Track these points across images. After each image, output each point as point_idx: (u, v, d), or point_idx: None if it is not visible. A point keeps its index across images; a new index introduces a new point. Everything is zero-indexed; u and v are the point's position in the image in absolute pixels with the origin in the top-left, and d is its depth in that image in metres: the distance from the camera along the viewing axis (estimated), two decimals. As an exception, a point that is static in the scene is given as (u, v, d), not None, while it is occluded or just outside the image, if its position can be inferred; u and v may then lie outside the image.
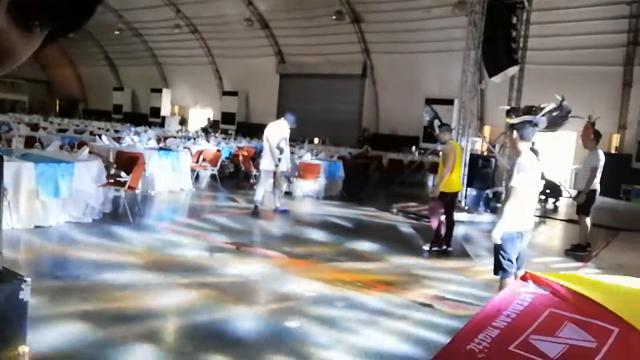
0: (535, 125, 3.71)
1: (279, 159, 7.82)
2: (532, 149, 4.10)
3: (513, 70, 11.28)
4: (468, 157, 10.31)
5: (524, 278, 2.02)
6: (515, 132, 3.83)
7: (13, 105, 28.54)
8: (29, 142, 7.89)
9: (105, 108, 29.63)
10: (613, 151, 15.81)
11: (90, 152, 7.15)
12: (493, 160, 10.80)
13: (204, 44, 24.60)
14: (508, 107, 4.29)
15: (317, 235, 7.10)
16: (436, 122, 6.53)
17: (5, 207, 5.23)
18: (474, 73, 10.43)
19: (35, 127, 13.67)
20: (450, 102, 16.30)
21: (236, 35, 22.47)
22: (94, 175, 6.26)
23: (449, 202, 6.47)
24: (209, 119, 18.16)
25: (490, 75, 10.97)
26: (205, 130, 14.70)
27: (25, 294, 2.85)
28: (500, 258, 3.92)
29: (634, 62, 15.22)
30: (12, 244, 4.98)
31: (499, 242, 3.83)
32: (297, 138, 16.85)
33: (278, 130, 7.84)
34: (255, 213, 7.83)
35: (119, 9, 24.51)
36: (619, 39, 14.99)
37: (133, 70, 29.28)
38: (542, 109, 3.71)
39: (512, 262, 3.90)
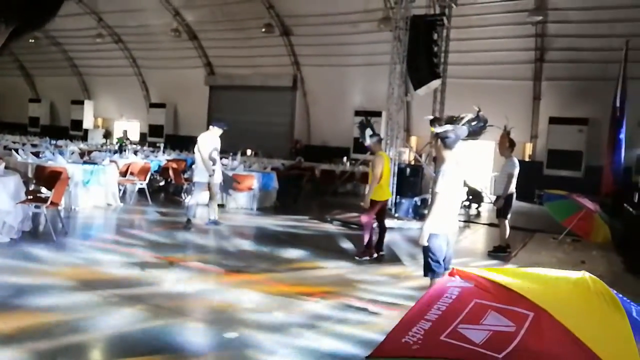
0: (457, 134, 4.00)
1: (213, 170, 7.75)
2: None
3: (436, 83, 11.91)
4: (396, 167, 10.73)
5: (451, 274, 2.19)
6: (439, 140, 4.10)
7: None
8: None
9: (20, 121, 27.74)
10: (527, 159, 17.06)
11: (6, 167, 6.72)
12: (420, 169, 11.31)
13: (129, 55, 23.81)
14: (432, 117, 4.58)
15: (253, 246, 7.09)
16: (367, 132, 6.77)
17: None
18: (400, 86, 10.89)
19: (-61, 142, 12.57)
20: (378, 114, 16.87)
21: (163, 46, 21.97)
22: (12, 191, 5.89)
23: (379, 210, 6.71)
24: (124, 131, 17.54)
25: (415, 88, 11.50)
26: (122, 145, 14.17)
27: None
28: (429, 260, 4.15)
29: (541, 77, 16.57)
30: None
31: (426, 244, 4.07)
32: (229, 150, 16.72)
33: (209, 141, 7.77)
34: (188, 226, 7.69)
35: (34, 17, 23.17)
36: (527, 55, 16.27)
37: (51, 80, 27.69)
38: (462, 118, 4.00)
39: (439, 263, 4.14)
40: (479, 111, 4.09)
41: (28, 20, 0.50)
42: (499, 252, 7.63)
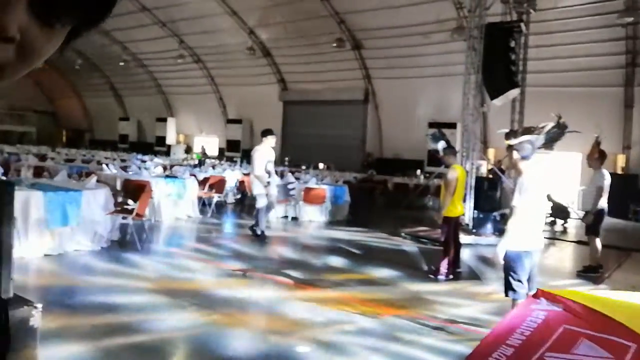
0: (533, 144, 3.78)
1: (268, 182, 7.77)
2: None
3: (514, 92, 11.38)
4: (473, 181, 10.34)
5: (535, 295, 2.03)
6: (515, 152, 3.90)
7: (21, 137, 28.89)
8: (38, 172, 7.98)
9: (111, 138, 29.97)
10: (619, 172, 15.80)
11: (97, 181, 7.22)
12: (499, 182, 10.82)
13: (208, 73, 25.00)
14: (507, 130, 4.36)
15: (325, 260, 7.08)
16: (441, 145, 6.57)
17: (15, 236, 5.26)
18: (475, 96, 10.54)
19: (43, 158, 13.83)
20: (452, 125, 16.40)
21: (239, 64, 22.85)
22: (102, 203, 6.32)
23: (454, 226, 6.47)
24: (203, 146, 18.34)
25: (492, 98, 11.06)
26: (200, 160, 14.79)
27: (35, 321, 2.86)
28: (510, 278, 3.91)
29: (633, 83, 15.35)
30: (23, 272, 5.00)
31: (502, 261, 3.84)
32: (301, 163, 16.97)
33: (263, 154, 7.81)
34: (259, 238, 7.82)
35: (124, 41, 25.05)
36: (617, 60, 15.16)
37: (138, 100, 29.71)
38: (542, 128, 3.77)
39: (521, 282, 3.88)
40: (559, 119, 3.84)
41: (84, 18, 0.49)
42: (590, 272, 7.04)
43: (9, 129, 29.67)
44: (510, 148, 3.94)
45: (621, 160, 16.19)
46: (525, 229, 3.83)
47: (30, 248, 5.52)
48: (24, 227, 5.42)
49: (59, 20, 0.45)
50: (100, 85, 30.35)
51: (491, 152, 17.91)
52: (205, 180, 10.48)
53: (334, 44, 18.75)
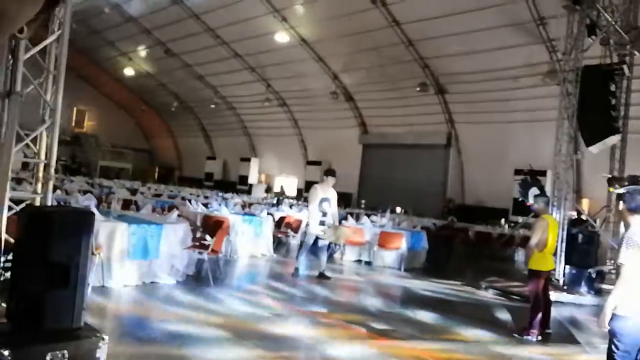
0: None
1: (322, 222, 7.62)
2: None
3: (613, 139, 10.50)
4: (565, 233, 9.50)
5: None
6: (622, 203, 3.44)
7: (118, 173, 31.25)
8: (126, 204, 8.42)
9: (198, 176, 31.60)
10: None
11: (179, 215, 7.46)
12: (595, 236, 9.85)
13: (291, 116, 25.80)
14: (609, 176, 3.91)
15: (399, 309, 6.69)
16: (532, 191, 6.10)
17: (98, 265, 5.49)
18: (569, 142, 9.83)
19: (134, 192, 14.74)
20: (542, 173, 15.43)
21: (322, 108, 23.38)
22: (181, 237, 6.47)
23: (543, 281, 5.87)
24: (281, 186, 18.69)
25: (588, 145, 10.26)
26: (279, 199, 15.00)
27: (102, 353, 2.85)
28: (614, 348, 3.38)
29: None
30: (102, 301, 5.16)
31: (607, 328, 3.33)
32: (379, 207, 16.68)
33: (319, 192, 7.71)
34: (322, 277, 7.70)
35: (216, 85, 26.68)
36: None
37: (225, 140, 31.26)
38: None
39: (629, 353, 3.34)
40: None
41: None
42: None
43: (109, 164, 32.26)
44: (618, 198, 3.48)
45: None
46: (633, 291, 3.31)
47: (112, 278, 5.72)
48: (108, 257, 5.64)
49: None
50: (192, 126, 32.37)
51: (585, 203, 16.57)
52: (282, 219, 10.53)
53: (418, 88, 18.64)
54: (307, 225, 7.79)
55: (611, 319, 3.32)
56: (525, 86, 16.42)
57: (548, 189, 11.13)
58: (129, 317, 5.03)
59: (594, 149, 10.34)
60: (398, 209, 15.96)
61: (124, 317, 5.05)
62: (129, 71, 28.20)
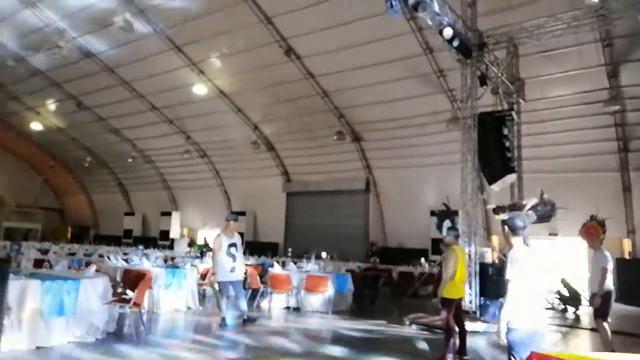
0: (524, 220, 3.87)
1: (232, 268, 7.75)
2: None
3: (511, 177, 11.61)
4: (478, 267, 10.20)
5: (529, 358, 1.98)
6: (506, 227, 3.99)
7: (26, 234, 29.05)
8: (38, 264, 7.95)
9: (116, 233, 30.07)
10: (627, 256, 15.59)
11: (97, 271, 7.18)
12: (504, 268, 10.65)
13: (213, 167, 25.67)
14: (494, 206, 4.53)
15: (330, 350, 6.80)
16: (446, 223, 6.62)
17: (7, 327, 5.15)
18: (473, 181, 10.73)
19: (45, 252, 13.82)
20: (455, 213, 16.49)
21: (244, 157, 23.55)
22: (100, 292, 6.24)
23: (456, 309, 6.30)
24: (205, 238, 18.45)
25: (490, 184, 11.29)
26: (202, 251, 14.79)
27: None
28: (512, 359, 3.76)
29: (628, 167, 15.63)
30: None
31: (504, 340, 3.73)
32: (303, 253, 16.84)
33: (224, 239, 7.88)
34: (248, 322, 7.82)
35: (133, 139, 26.05)
36: (610, 146, 15.57)
37: (144, 195, 30.22)
38: (525, 204, 3.89)
39: (527, 363, 3.72)
40: (542, 194, 3.98)
41: None
42: (602, 358, 6.71)
43: (14, 225, 29.95)
44: (502, 223, 4.03)
45: (627, 245, 16.02)
46: (523, 304, 3.76)
47: (22, 340, 5.36)
48: (18, 318, 5.31)
49: None
50: (108, 181, 31.07)
51: (495, 240, 17.82)
52: (206, 271, 10.36)
53: (335, 137, 19.44)
54: (214, 274, 7.83)
55: (507, 331, 3.72)
56: (433, 132, 17.72)
57: (460, 226, 11.95)
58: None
59: (495, 187, 11.37)
60: (324, 254, 16.21)
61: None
62: (36, 126, 26.75)
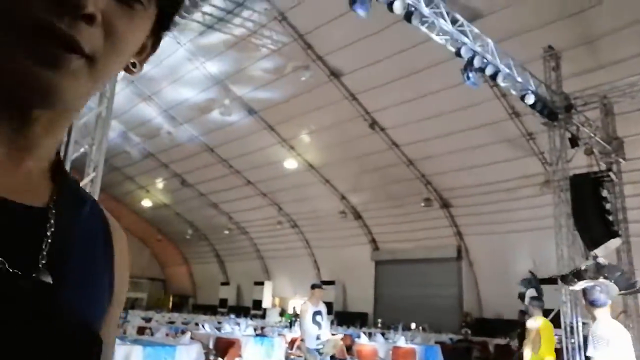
0: (605, 290, 3.64)
1: (318, 336, 7.67)
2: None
3: (615, 242, 10.79)
4: (581, 339, 9.38)
5: None
6: (584, 298, 3.77)
7: (133, 303, 31.19)
8: (141, 330, 8.62)
9: (213, 302, 31.34)
10: None
11: (192, 338, 7.64)
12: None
13: (303, 237, 26.34)
14: (561, 275, 4.31)
15: None
16: (530, 292, 6.32)
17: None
18: (569, 246, 10.12)
19: (148, 320, 14.81)
20: (553, 281, 15.39)
21: (332, 227, 23.98)
22: (194, 358, 6.62)
23: None
24: (294, 307, 18.61)
25: (590, 250, 10.56)
26: (291, 321, 14.92)
27: None
28: None
29: None
30: None
31: None
32: (394, 324, 16.41)
33: (310, 306, 7.84)
34: None
35: (229, 212, 27.73)
36: None
37: (239, 265, 31.51)
38: (579, 271, 3.69)
39: None
40: (594, 257, 3.76)
41: None
42: None
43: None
44: (582, 294, 3.82)
45: None
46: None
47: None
48: (122, 380, 5.80)
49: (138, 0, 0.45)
50: (206, 252, 32.92)
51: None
52: (294, 340, 10.51)
53: (422, 204, 19.32)
54: (302, 340, 7.87)
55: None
56: (525, 196, 17.01)
57: (563, 298, 11.13)
58: None
59: (598, 252, 10.60)
60: (413, 325, 15.70)
61: None
62: (146, 203, 29.60)
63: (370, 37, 13.95)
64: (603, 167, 11.71)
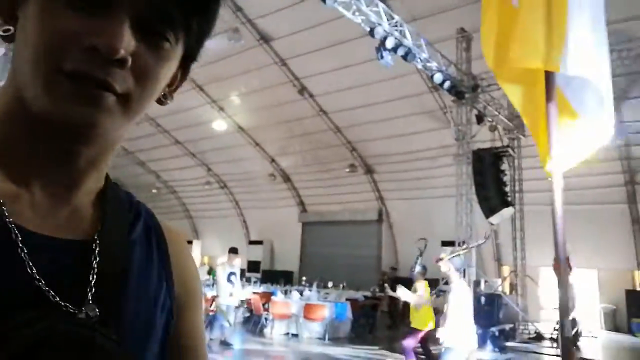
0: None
1: (231, 293, 8.73)
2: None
3: (509, 211, 12.04)
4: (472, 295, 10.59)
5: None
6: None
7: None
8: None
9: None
10: (638, 288, 15.58)
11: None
12: (496, 298, 11.00)
13: (233, 198, 26.62)
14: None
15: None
16: (418, 260, 7.20)
17: None
18: (467, 214, 11.20)
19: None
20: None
21: (261, 189, 24.42)
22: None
23: (422, 339, 6.86)
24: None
25: (487, 217, 11.74)
26: (215, 278, 15.41)
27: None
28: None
29: (636, 200, 15.72)
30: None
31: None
32: (314, 281, 17.34)
33: (227, 268, 8.99)
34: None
35: (157, 170, 27.33)
36: (616, 179, 15.70)
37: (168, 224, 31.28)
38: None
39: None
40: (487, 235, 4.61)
41: (190, 31, 0.49)
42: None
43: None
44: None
45: (638, 277, 15.99)
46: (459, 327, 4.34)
47: None
48: None
49: (166, 39, 0.46)
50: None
51: (506, 270, 17.95)
52: (213, 298, 11.01)
53: (347, 170, 20.12)
54: (217, 297, 8.69)
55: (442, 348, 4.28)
56: (442, 165, 18.19)
57: (474, 259, 12.32)
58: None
59: (493, 220, 11.82)
60: (330, 284, 16.68)
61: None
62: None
63: (300, 4, 14.09)
64: (506, 142, 12.85)
